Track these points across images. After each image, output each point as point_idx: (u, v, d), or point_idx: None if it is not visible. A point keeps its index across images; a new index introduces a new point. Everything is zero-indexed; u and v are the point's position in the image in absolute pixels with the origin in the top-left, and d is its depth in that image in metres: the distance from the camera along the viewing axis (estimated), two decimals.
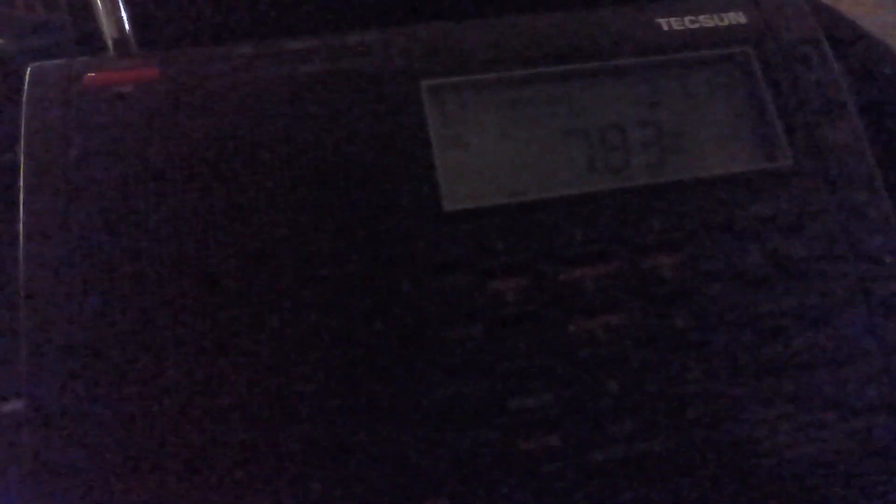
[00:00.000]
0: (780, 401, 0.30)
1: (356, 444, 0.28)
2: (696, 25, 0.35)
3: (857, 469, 0.30)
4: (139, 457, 0.27)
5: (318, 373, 0.29)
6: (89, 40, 0.35)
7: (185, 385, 0.28)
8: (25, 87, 0.31)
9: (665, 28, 0.35)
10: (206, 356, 0.28)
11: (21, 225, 0.29)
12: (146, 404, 0.28)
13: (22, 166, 0.30)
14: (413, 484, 0.28)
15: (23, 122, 0.30)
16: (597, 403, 0.30)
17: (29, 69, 0.32)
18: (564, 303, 0.30)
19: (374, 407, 0.29)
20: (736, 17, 0.36)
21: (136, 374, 0.28)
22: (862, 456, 0.31)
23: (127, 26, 0.33)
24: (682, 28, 0.35)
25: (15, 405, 0.32)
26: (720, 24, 0.35)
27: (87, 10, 0.35)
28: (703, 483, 0.30)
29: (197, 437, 0.28)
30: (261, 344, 0.29)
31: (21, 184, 0.30)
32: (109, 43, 0.34)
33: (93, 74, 0.31)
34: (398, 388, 0.29)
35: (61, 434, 0.27)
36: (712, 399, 0.30)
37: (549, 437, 0.29)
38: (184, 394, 0.28)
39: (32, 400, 0.27)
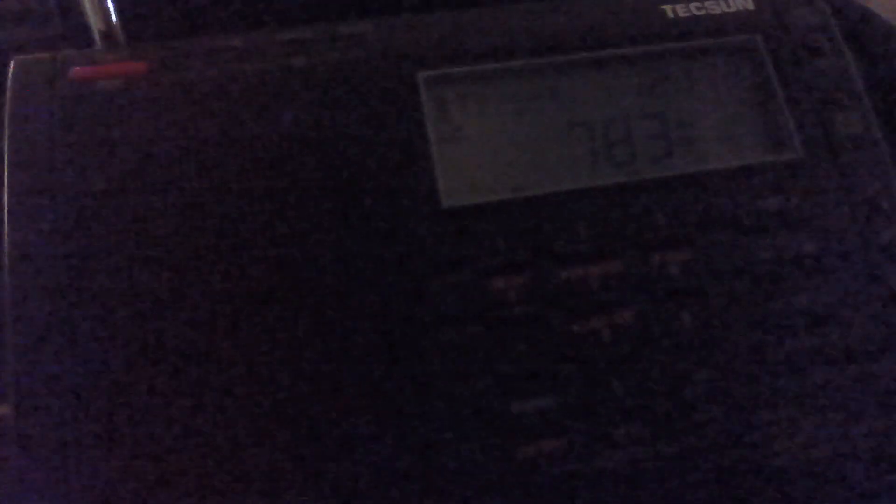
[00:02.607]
0: (792, 402, 0.30)
1: (351, 450, 0.27)
2: (702, 12, 0.34)
3: (874, 472, 0.30)
4: (130, 463, 0.27)
5: (312, 375, 0.28)
6: (77, 32, 0.34)
7: (177, 389, 0.27)
8: (9, 80, 0.30)
9: (670, 15, 0.34)
10: (199, 358, 0.28)
11: (5, 222, 0.28)
12: (138, 409, 0.27)
13: (6, 162, 0.29)
14: (411, 491, 0.28)
15: (6, 116, 0.30)
16: (602, 406, 0.29)
17: (13, 62, 0.31)
18: (568, 302, 0.30)
19: (370, 411, 0.28)
20: (744, 4, 0.35)
21: (127, 375, 0.27)
22: (880, 458, 0.30)
23: (114, 18, 0.33)
24: (688, 15, 0.34)
25: (2, 410, 0.31)
26: (727, 10, 0.34)
27: (75, 1, 0.34)
28: (712, 488, 0.29)
29: (188, 443, 0.27)
30: (255, 346, 0.28)
31: (5, 180, 0.29)
32: (96, 35, 0.33)
33: (78, 68, 0.30)
34: (395, 392, 0.28)
35: (49, 439, 0.26)
36: (721, 401, 0.29)
37: (553, 442, 0.28)
38: (176, 399, 0.27)
39: (19, 404, 0.27)
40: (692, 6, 0.34)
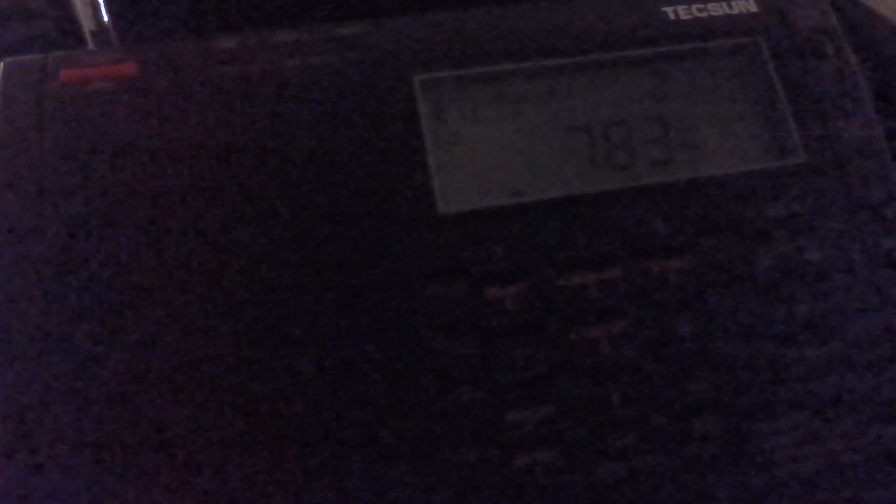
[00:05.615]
0: (791, 412, 0.29)
1: (344, 462, 0.27)
2: (704, 14, 0.34)
3: (875, 480, 0.29)
4: (117, 474, 0.26)
5: (305, 386, 0.27)
6: (68, 33, 0.34)
7: (163, 401, 0.27)
8: None
9: (671, 17, 0.33)
10: (186, 365, 0.27)
11: None
12: (127, 419, 0.27)
13: None
14: (405, 499, 0.27)
15: None
16: (599, 416, 0.28)
17: (2, 64, 0.30)
18: (565, 310, 0.29)
19: (364, 422, 0.27)
20: (746, 5, 0.34)
21: (116, 385, 0.27)
22: (880, 467, 0.29)
23: (106, 18, 0.32)
24: (690, 17, 0.33)
25: None
26: (729, 12, 0.34)
27: (66, 1, 0.34)
28: (711, 500, 0.28)
29: (172, 453, 0.26)
30: (245, 353, 0.27)
31: None
32: (88, 36, 0.32)
33: (69, 70, 0.30)
34: (389, 402, 0.28)
35: (34, 451, 0.26)
36: (721, 411, 0.29)
37: (549, 453, 0.28)
38: (161, 411, 0.27)
39: (4, 415, 0.26)
40: (694, 8, 0.34)
